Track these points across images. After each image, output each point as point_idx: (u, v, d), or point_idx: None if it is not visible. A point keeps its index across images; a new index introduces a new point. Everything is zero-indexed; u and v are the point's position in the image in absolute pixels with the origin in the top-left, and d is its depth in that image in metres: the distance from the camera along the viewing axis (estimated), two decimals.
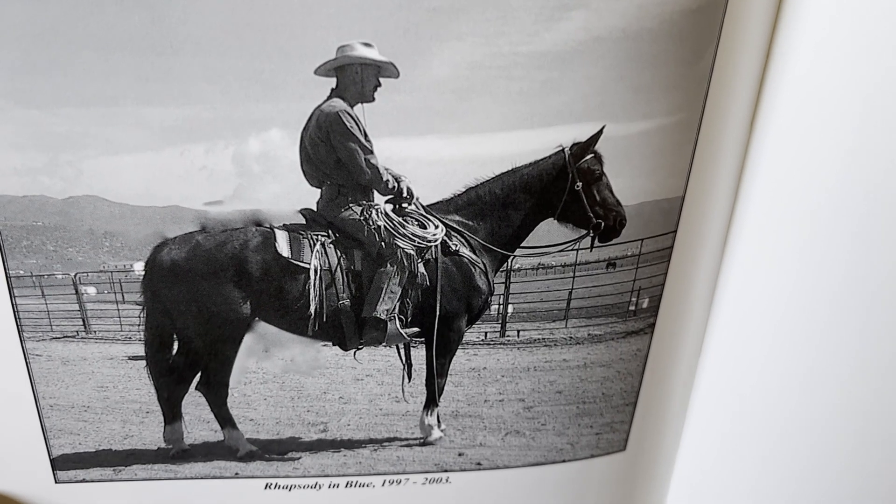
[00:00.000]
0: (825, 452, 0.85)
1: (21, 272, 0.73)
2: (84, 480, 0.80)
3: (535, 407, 0.85)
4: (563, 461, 0.85)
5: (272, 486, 0.82)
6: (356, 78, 0.75)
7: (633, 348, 0.83)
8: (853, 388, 0.81)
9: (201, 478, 0.82)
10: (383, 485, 0.83)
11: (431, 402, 0.87)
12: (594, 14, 0.64)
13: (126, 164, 0.68)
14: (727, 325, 0.83)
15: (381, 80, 0.72)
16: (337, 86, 0.75)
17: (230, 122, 0.68)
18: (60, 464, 0.80)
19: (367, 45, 0.67)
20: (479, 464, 0.84)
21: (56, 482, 0.80)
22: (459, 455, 0.84)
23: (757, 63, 0.71)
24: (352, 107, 0.79)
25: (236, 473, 0.82)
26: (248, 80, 0.65)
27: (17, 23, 0.61)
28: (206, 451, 0.83)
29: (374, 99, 0.75)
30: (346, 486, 0.83)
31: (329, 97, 0.76)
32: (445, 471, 0.83)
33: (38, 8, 0.61)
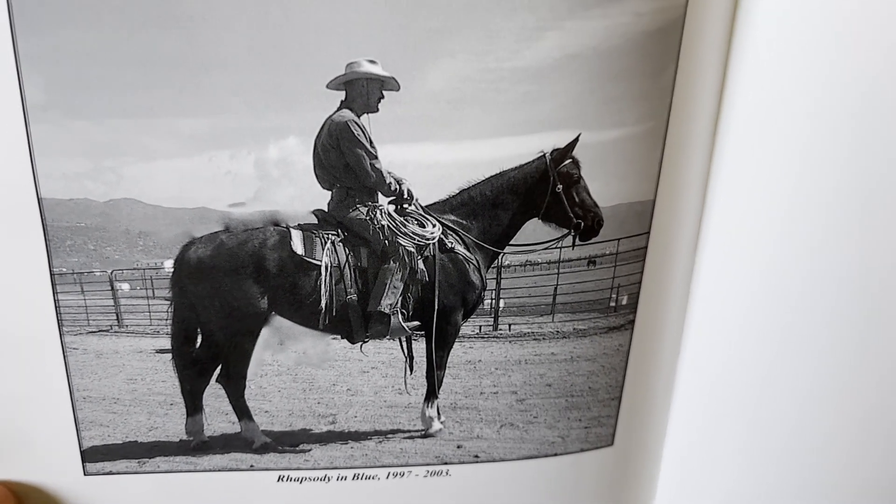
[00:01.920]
0: (803, 441, 0.84)
1: (64, 270, 0.74)
2: (111, 473, 0.80)
3: (527, 399, 0.86)
4: (556, 454, 0.84)
5: (285, 479, 0.82)
6: (363, 91, 0.78)
7: (615, 343, 0.83)
8: (827, 377, 0.82)
9: (219, 470, 0.81)
10: (388, 477, 0.83)
11: (431, 394, 0.88)
12: (567, 34, 0.67)
13: (160, 169, 0.71)
14: (703, 321, 0.83)
15: (385, 92, 0.74)
16: (346, 98, 0.79)
17: (252, 130, 0.70)
18: (90, 456, 0.79)
19: (371, 61, 0.72)
20: (476, 456, 0.83)
21: (85, 474, 0.79)
22: (458, 447, 0.84)
23: (715, 76, 0.73)
24: (359, 116, 0.83)
25: (251, 466, 0.81)
26: (269, 92, 0.69)
27: (71, 44, 0.65)
28: (224, 443, 0.83)
29: (378, 109, 0.78)
30: (354, 479, 0.82)
31: (339, 108, 0.80)
32: (445, 463, 0.83)
33: (89, 31, 0.64)
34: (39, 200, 0.69)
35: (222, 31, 0.65)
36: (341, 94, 0.79)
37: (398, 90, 0.71)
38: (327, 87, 0.73)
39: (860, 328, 0.79)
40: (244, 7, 0.65)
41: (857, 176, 0.75)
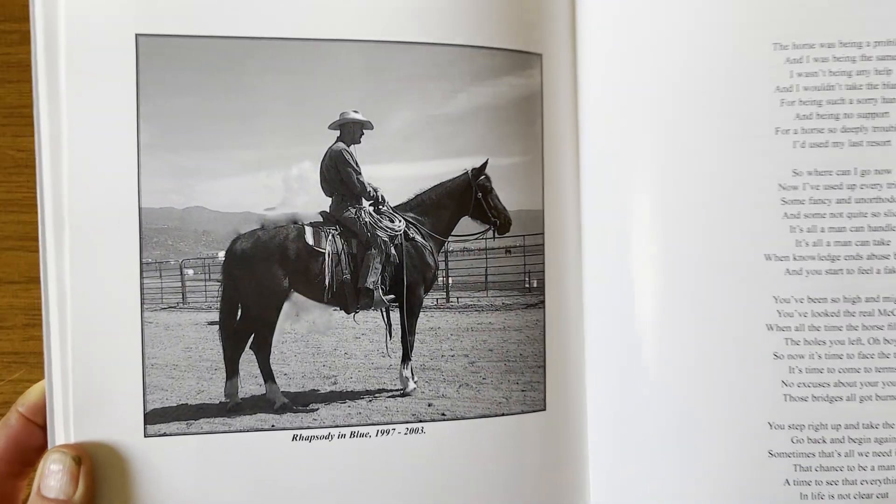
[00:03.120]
0: (698, 396, 0.83)
1: (149, 260, 0.79)
2: (165, 434, 0.79)
3: (476, 362, 0.89)
4: (503, 414, 0.85)
5: (298, 438, 0.82)
6: (350, 130, 0.90)
7: (533, 318, 0.87)
8: (707, 325, 0.83)
9: (247, 430, 0.81)
10: (376, 435, 0.83)
11: (406, 357, 0.93)
12: (471, 95, 0.84)
13: (221, 185, 0.81)
14: (595, 303, 0.88)
15: (364, 130, 0.87)
16: (340, 135, 0.90)
17: (281, 157, 0.82)
18: (151, 418, 0.79)
19: (355, 111, 0.85)
20: (443, 414, 0.85)
21: (145, 436, 0.79)
22: (429, 405, 0.87)
23: (571, 126, 0.88)
24: (349, 146, 0.94)
25: (272, 426, 0.82)
26: (292, 132, 0.82)
27: (174, 106, 0.80)
28: (252, 405, 0.84)
29: (360, 142, 0.89)
30: (350, 437, 0.82)
31: (335, 141, 0.91)
32: (421, 421, 0.84)
33: (185, 97, 0.80)
34: (140, 209, 0.78)
35: (267, 93, 0.81)
36: (337, 133, 0.89)
37: (372, 129, 0.85)
38: (329, 128, 0.86)
39: (724, 305, 0.83)
40: (281, 78, 0.81)
41: (690, 187, 0.83)
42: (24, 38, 0.84)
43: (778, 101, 0.83)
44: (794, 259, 0.82)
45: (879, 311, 0.82)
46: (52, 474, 0.75)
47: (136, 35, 0.79)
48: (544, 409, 0.86)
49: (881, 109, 0.82)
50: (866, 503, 0.82)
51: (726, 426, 0.82)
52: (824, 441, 0.82)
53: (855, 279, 0.82)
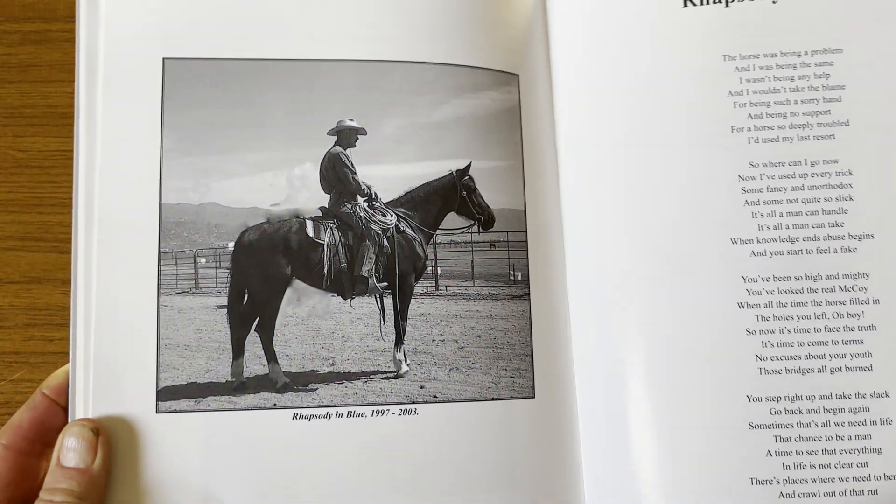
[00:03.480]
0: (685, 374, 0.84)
1: (166, 250, 0.83)
2: (175, 411, 0.80)
3: (465, 347, 0.90)
4: (493, 399, 0.85)
5: (298, 417, 0.83)
6: (347, 135, 0.94)
7: (519, 309, 0.88)
8: (680, 307, 0.86)
9: (251, 409, 0.82)
10: (372, 415, 0.84)
11: (399, 341, 0.96)
12: (455, 106, 0.89)
13: (233, 184, 0.86)
14: (580, 298, 0.89)
15: (359, 136, 0.92)
16: (338, 140, 0.94)
17: (285, 159, 0.88)
18: (163, 395, 0.80)
19: (351, 119, 0.91)
20: (435, 396, 0.86)
21: (157, 412, 0.80)
22: (421, 387, 0.87)
23: (549, 134, 0.93)
24: (345, 150, 0.97)
25: (274, 404, 0.83)
26: (295, 138, 0.89)
27: (192, 117, 0.85)
28: (256, 384, 0.86)
29: (355, 146, 0.94)
30: (348, 416, 0.83)
31: (333, 145, 0.95)
32: (413, 402, 0.85)
33: (202, 110, 0.86)
34: (160, 205, 0.83)
35: (273, 105, 0.88)
36: (334, 138, 0.94)
37: (366, 135, 0.90)
38: (328, 133, 0.92)
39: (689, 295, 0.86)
40: (285, 93, 0.88)
41: (658, 189, 0.88)
42: (25, 39, 0.89)
43: (731, 103, 0.91)
44: (758, 242, 0.87)
45: (840, 287, 0.86)
46: (72, 445, 0.76)
47: (164, 59, 0.87)
48: (533, 397, 0.87)
49: (823, 108, 0.90)
50: (847, 473, 0.82)
51: (708, 400, 0.84)
52: (801, 412, 0.84)
53: (814, 258, 0.86)
